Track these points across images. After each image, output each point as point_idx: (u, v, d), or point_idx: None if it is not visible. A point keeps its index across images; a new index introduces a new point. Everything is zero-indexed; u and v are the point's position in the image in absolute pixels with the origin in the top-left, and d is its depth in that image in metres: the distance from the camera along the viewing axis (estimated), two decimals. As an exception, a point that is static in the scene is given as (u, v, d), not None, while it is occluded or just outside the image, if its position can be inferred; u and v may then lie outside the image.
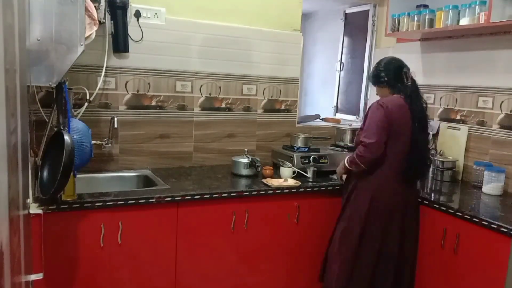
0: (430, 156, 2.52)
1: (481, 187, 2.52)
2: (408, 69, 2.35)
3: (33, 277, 1.65)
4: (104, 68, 2.53)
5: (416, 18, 2.80)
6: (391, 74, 2.32)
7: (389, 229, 2.29)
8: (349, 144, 3.01)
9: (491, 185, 2.45)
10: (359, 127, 2.45)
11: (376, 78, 2.37)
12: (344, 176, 2.51)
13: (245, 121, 3.05)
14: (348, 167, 2.36)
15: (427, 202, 2.33)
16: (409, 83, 2.32)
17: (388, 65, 2.34)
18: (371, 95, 3.56)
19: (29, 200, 1.79)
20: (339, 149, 3.03)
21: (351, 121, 3.63)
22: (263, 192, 2.42)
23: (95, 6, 2.14)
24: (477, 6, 2.43)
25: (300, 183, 2.54)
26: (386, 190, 2.29)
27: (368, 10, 3.57)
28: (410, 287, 2.39)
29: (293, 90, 3.19)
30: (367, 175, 2.31)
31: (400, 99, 2.28)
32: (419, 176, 2.42)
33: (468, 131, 2.79)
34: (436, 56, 3.03)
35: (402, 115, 2.24)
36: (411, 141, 2.26)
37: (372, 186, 2.30)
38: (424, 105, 2.34)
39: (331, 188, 2.59)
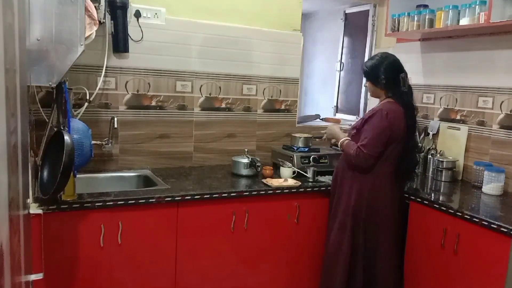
0: (417, 160, 2.68)
1: (481, 187, 2.52)
2: (406, 74, 2.36)
3: (33, 277, 1.64)
4: (104, 68, 2.53)
5: (416, 18, 2.80)
6: (391, 78, 2.32)
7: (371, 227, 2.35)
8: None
9: (491, 185, 2.45)
10: (354, 126, 2.44)
11: (374, 78, 2.36)
12: (333, 140, 2.61)
13: (245, 121, 3.05)
14: (340, 148, 2.48)
15: (427, 202, 2.33)
16: (405, 89, 2.34)
17: (389, 68, 2.33)
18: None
19: (29, 200, 1.79)
20: (339, 149, 3.01)
21: (351, 121, 3.63)
22: (263, 192, 2.42)
23: (95, 6, 2.14)
24: (477, 6, 2.43)
25: (300, 183, 2.54)
26: (380, 190, 2.33)
27: (368, 10, 3.57)
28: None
29: (293, 90, 3.19)
30: (360, 175, 2.34)
31: (397, 105, 2.31)
32: (410, 178, 2.53)
33: (468, 131, 2.79)
34: (436, 56, 3.03)
35: (399, 123, 2.29)
36: (404, 145, 2.33)
37: (366, 186, 2.33)
38: (416, 111, 2.42)
39: (330, 188, 2.59)
